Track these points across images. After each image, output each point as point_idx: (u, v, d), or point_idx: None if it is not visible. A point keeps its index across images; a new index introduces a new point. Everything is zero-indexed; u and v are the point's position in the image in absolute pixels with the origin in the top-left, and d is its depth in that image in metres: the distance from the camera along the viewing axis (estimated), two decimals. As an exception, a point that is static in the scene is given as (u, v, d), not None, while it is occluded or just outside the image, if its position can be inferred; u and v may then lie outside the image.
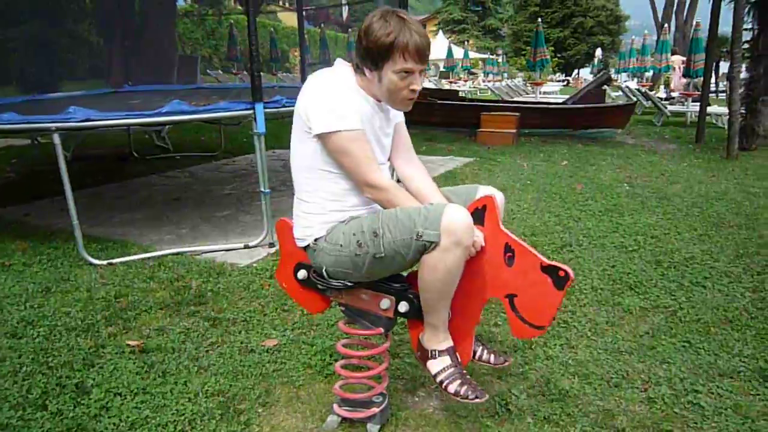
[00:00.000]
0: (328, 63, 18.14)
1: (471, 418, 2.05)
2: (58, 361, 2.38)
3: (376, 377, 1.98)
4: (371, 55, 1.71)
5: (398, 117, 2.00)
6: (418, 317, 1.87)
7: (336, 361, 2.18)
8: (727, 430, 2.02)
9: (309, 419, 2.06)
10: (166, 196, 5.32)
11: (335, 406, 2.00)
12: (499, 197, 1.89)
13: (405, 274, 1.97)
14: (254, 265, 3.51)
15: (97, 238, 3.97)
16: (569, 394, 2.22)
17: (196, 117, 3.75)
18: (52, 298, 3.00)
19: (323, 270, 1.88)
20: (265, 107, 3.69)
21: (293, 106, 4.19)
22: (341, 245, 1.78)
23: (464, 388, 1.81)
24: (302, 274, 2.01)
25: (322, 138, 1.75)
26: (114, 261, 3.52)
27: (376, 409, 1.95)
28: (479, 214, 1.72)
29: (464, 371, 1.88)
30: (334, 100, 1.74)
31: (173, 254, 3.66)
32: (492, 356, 2.06)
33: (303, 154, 1.84)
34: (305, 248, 1.92)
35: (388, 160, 1.99)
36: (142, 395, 2.16)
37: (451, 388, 1.83)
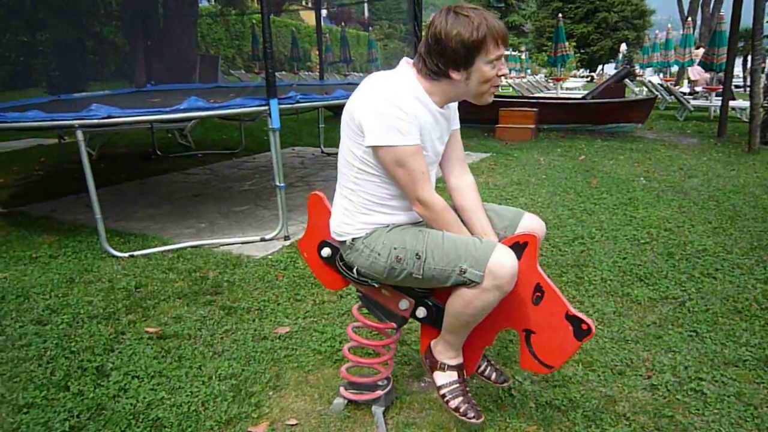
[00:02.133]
0: (348, 62, 18.16)
1: (473, 403, 2.10)
2: (80, 346, 2.50)
3: (383, 363, 2.04)
4: (460, 55, 1.63)
5: (455, 124, 1.93)
6: (433, 324, 1.90)
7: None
8: (729, 416, 2.05)
9: (317, 401, 2.13)
10: (187, 192, 5.45)
11: (342, 389, 2.07)
12: (541, 228, 1.90)
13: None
14: (269, 257, 3.61)
15: (120, 232, 4.10)
16: (572, 380, 2.26)
17: (212, 113, 3.85)
18: (75, 288, 3.12)
19: (354, 268, 1.86)
20: (279, 103, 3.78)
21: (307, 102, 4.29)
22: (379, 254, 1.76)
23: (465, 406, 1.84)
24: (326, 252, 1.99)
25: (375, 149, 1.68)
26: (135, 253, 3.64)
27: (380, 392, 2.02)
28: (519, 248, 1.70)
29: (467, 389, 1.91)
30: (393, 112, 1.63)
31: (192, 247, 3.77)
32: (494, 374, 2.07)
33: (351, 152, 1.77)
34: (340, 242, 1.89)
35: (439, 165, 1.94)
36: (159, 378, 2.26)
37: (452, 404, 1.86)
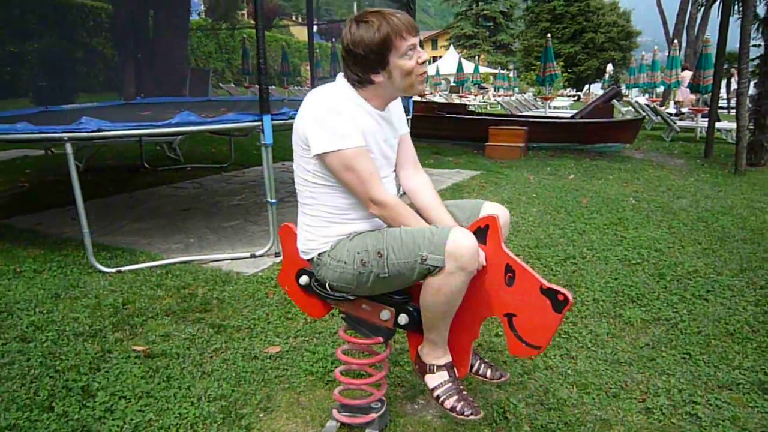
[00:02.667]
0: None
1: (468, 426, 2.07)
2: (65, 364, 2.44)
3: (376, 384, 2.01)
4: (372, 59, 1.70)
5: (403, 128, 1.98)
6: (417, 330, 1.88)
7: (337, 367, 2.22)
8: (724, 441, 2.03)
9: (309, 424, 2.09)
10: (176, 207, 5.39)
11: (334, 411, 2.03)
12: (503, 214, 1.89)
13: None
14: (260, 273, 3.56)
15: (107, 247, 4.04)
16: (567, 403, 2.24)
17: (204, 128, 3.82)
18: (61, 304, 3.06)
19: (326, 283, 1.87)
20: (272, 119, 3.76)
21: (300, 118, 4.26)
22: (345, 262, 1.78)
23: (461, 404, 1.82)
24: (304, 280, 2.03)
25: (322, 157, 1.73)
26: (123, 269, 3.58)
27: (374, 415, 1.98)
28: (482, 233, 1.71)
29: (461, 387, 1.89)
30: (333, 118, 1.70)
31: (181, 263, 3.71)
32: (489, 371, 2.06)
33: (303, 169, 1.82)
34: (309, 260, 1.92)
35: (393, 171, 1.98)
36: (146, 399, 2.20)
37: (448, 404, 1.84)
